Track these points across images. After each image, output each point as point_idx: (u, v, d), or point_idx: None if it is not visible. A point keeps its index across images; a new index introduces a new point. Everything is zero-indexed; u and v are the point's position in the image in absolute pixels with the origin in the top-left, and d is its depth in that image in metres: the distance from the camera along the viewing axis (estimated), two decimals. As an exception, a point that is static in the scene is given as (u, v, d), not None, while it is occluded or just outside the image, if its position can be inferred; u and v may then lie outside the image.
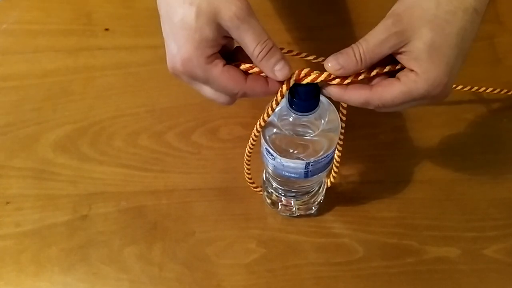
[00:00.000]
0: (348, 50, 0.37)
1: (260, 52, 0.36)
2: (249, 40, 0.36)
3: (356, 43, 0.37)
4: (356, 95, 0.38)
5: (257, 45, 0.36)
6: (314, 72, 0.39)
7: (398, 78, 0.37)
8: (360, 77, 0.39)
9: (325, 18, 0.70)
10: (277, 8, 0.70)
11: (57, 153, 0.60)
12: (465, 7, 0.36)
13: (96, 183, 0.58)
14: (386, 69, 0.39)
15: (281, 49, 0.41)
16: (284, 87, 0.38)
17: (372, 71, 0.39)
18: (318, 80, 0.39)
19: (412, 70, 0.37)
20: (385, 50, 0.37)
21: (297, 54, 0.43)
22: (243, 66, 0.39)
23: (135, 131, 0.61)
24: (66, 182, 0.58)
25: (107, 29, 0.69)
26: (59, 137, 0.61)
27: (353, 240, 0.54)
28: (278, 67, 0.37)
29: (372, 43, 0.37)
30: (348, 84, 0.39)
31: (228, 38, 0.37)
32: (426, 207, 0.56)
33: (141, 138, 0.61)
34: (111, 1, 0.72)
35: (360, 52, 0.37)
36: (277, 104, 0.40)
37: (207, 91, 0.40)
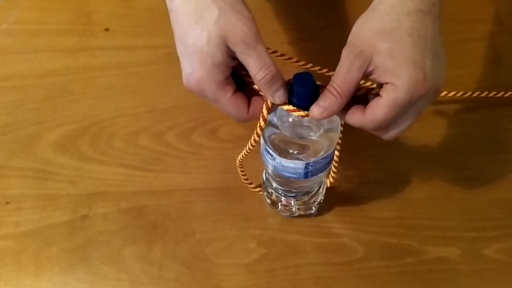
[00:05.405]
0: (325, 91, 0.39)
1: (262, 78, 0.38)
2: (252, 65, 0.38)
3: (329, 82, 0.39)
4: (352, 119, 0.41)
5: (260, 70, 0.38)
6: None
7: (381, 96, 0.39)
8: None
9: (325, 18, 0.70)
10: (277, 8, 0.70)
11: (57, 153, 0.60)
12: (407, 11, 0.38)
13: (96, 183, 0.58)
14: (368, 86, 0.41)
15: (274, 52, 0.43)
16: (265, 111, 0.40)
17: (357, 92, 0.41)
18: (308, 117, 0.40)
19: (388, 83, 0.38)
20: (355, 75, 0.38)
21: (288, 59, 0.45)
22: (257, 86, 0.40)
23: (135, 131, 0.61)
24: (66, 182, 0.58)
25: (107, 29, 0.69)
26: (59, 137, 0.61)
27: (353, 240, 0.54)
28: (278, 93, 0.39)
29: (341, 73, 0.39)
30: None
31: (237, 58, 0.39)
32: (426, 207, 0.56)
33: (141, 138, 0.61)
34: (111, 1, 0.72)
35: (335, 87, 0.39)
36: (262, 130, 0.42)
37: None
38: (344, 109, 0.40)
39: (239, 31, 0.37)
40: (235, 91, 0.40)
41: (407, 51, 0.37)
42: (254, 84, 0.40)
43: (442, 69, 0.39)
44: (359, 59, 0.38)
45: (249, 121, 0.41)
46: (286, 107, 0.40)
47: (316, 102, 0.39)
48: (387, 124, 0.40)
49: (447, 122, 0.61)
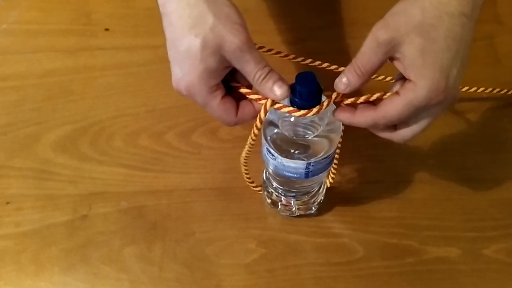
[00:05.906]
0: (348, 67, 0.40)
1: (259, 77, 0.39)
2: (250, 69, 0.39)
3: (353, 59, 0.39)
4: (363, 118, 0.41)
5: (257, 71, 0.39)
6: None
7: (398, 93, 0.39)
8: (360, 100, 0.41)
9: (325, 18, 0.70)
10: (277, 8, 0.70)
11: (57, 153, 0.60)
12: (450, 11, 0.37)
13: (96, 183, 0.58)
14: (387, 95, 0.41)
15: (269, 50, 0.43)
16: (269, 103, 0.40)
17: (372, 96, 0.41)
18: (310, 114, 0.40)
19: (409, 81, 0.38)
20: (380, 57, 0.38)
21: (285, 56, 0.45)
22: (243, 90, 0.41)
23: (135, 131, 0.61)
24: (66, 182, 0.58)
25: (107, 29, 0.69)
26: (59, 137, 0.61)
27: (353, 240, 0.54)
28: (276, 86, 0.39)
29: (366, 53, 0.38)
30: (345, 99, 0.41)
31: (230, 66, 0.40)
32: (426, 207, 0.56)
33: (141, 138, 0.61)
34: (111, 1, 0.72)
35: (358, 65, 0.39)
36: (258, 129, 0.42)
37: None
38: (352, 111, 0.41)
39: (235, 40, 0.37)
40: (224, 96, 0.40)
41: (438, 54, 0.37)
42: (239, 88, 0.41)
43: (462, 77, 0.39)
44: (386, 44, 0.37)
45: (238, 125, 0.42)
46: (278, 105, 0.40)
47: (341, 77, 0.40)
48: (398, 122, 0.40)
49: (447, 122, 0.61)
